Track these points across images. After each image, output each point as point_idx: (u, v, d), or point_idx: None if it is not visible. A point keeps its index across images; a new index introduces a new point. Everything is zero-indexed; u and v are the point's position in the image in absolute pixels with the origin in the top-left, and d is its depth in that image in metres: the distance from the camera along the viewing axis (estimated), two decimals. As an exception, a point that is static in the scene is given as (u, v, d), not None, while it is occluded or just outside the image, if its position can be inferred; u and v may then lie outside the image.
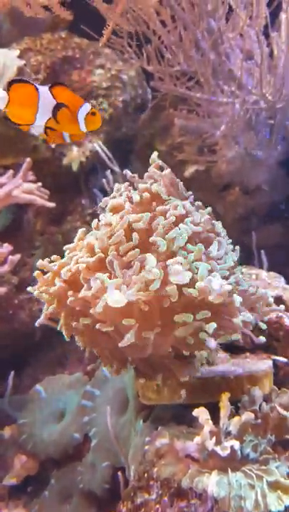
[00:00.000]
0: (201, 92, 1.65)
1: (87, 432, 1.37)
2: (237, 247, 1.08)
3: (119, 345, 0.89)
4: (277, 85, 1.57)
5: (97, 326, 0.90)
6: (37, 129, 1.03)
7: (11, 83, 0.96)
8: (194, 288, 0.86)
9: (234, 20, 1.51)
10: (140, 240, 0.95)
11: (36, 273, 1.03)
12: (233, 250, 1.06)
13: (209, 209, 1.10)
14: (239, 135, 1.80)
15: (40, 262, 1.04)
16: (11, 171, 1.68)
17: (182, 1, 1.47)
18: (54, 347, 1.88)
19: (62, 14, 1.31)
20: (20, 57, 1.88)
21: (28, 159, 1.67)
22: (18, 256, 1.51)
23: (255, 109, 1.70)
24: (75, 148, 1.91)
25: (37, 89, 0.96)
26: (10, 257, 1.50)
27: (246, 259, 1.97)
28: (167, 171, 1.09)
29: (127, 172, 1.13)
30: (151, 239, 0.93)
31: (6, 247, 1.51)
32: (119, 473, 1.22)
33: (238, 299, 0.89)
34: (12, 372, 1.61)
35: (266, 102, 1.64)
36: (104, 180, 1.93)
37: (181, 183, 1.11)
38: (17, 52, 1.88)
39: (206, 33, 1.56)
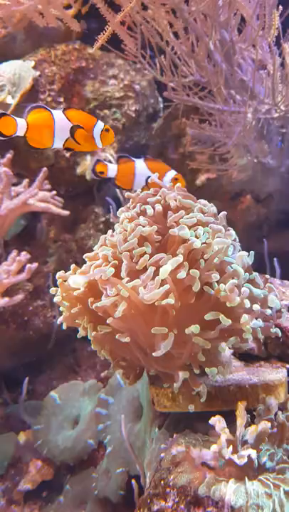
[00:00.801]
0: (214, 102, 1.67)
1: (101, 439, 1.39)
2: (251, 252, 1.09)
3: (154, 354, 0.91)
4: (289, 95, 1.59)
5: (117, 336, 0.92)
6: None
7: (28, 111, 1.06)
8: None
9: (246, 30, 1.53)
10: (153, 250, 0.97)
11: (59, 282, 1.05)
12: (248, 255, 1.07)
13: (224, 213, 1.12)
14: (251, 144, 1.82)
15: (59, 274, 1.06)
16: (26, 180, 1.71)
17: (195, 13, 1.48)
18: (67, 354, 1.91)
19: (73, 26, 1.34)
20: (35, 68, 1.92)
21: (44, 168, 1.69)
22: (35, 264, 1.54)
23: (267, 118, 1.72)
24: (88, 158, 1.94)
25: (52, 113, 1.06)
26: (28, 265, 1.52)
27: (258, 267, 1.97)
28: (178, 184, 1.11)
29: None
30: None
31: (24, 256, 1.53)
32: (134, 480, 1.23)
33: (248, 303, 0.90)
34: (26, 379, 1.62)
35: (278, 112, 1.65)
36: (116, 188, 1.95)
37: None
38: (32, 63, 1.91)
39: (218, 44, 1.58)
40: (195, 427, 1.06)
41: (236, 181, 1.97)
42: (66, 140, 1.07)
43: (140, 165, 1.14)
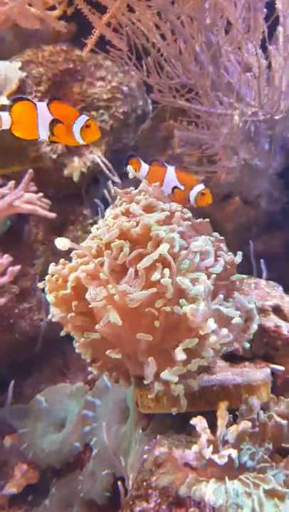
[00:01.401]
0: (201, 104, 1.68)
1: (87, 441, 1.38)
2: (239, 252, 1.09)
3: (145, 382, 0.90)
4: (275, 97, 1.59)
5: (107, 352, 0.92)
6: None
7: (12, 103, 1.04)
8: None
9: (232, 33, 1.54)
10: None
11: (47, 278, 1.05)
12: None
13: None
14: (238, 146, 1.82)
15: (52, 269, 1.06)
16: (12, 182, 1.70)
17: (180, 15, 1.49)
18: (55, 356, 1.89)
19: (57, 26, 1.34)
20: (21, 69, 1.91)
21: (30, 170, 1.69)
22: (18, 267, 1.53)
23: (254, 120, 1.73)
24: (76, 159, 1.94)
25: (36, 106, 1.04)
26: (10, 268, 1.51)
27: (246, 268, 1.98)
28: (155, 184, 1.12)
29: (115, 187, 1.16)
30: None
31: (6, 258, 1.52)
32: (119, 482, 1.22)
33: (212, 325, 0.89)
34: (12, 382, 1.61)
35: (265, 114, 1.66)
36: (105, 190, 1.95)
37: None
38: (18, 64, 1.91)
39: (204, 46, 1.59)
40: (179, 428, 1.06)
41: (224, 183, 1.98)
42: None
43: (170, 172, 1.12)
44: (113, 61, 1.95)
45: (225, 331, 0.88)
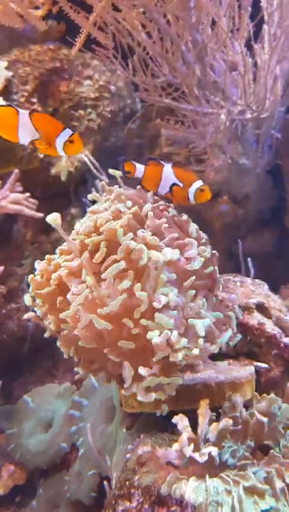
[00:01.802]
0: (187, 103, 1.67)
1: (74, 441, 1.37)
2: (208, 247, 1.08)
3: (123, 393, 0.91)
4: (261, 96, 1.59)
5: (80, 343, 0.92)
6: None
7: None
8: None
9: (217, 32, 1.54)
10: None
11: (30, 277, 1.05)
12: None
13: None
14: (226, 145, 1.82)
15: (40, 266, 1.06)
16: (-2, 182, 1.69)
17: (163, 13, 1.49)
18: (44, 357, 1.89)
19: (39, 26, 1.33)
20: (8, 68, 1.91)
21: (16, 170, 1.68)
22: (1, 268, 1.53)
23: (241, 119, 1.73)
24: (63, 159, 1.93)
25: (18, 114, 1.04)
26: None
27: (235, 266, 1.99)
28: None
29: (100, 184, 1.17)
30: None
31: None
32: (106, 482, 1.22)
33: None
34: (0, 383, 1.60)
35: (251, 112, 1.66)
36: (93, 189, 1.94)
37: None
38: (5, 64, 1.90)
39: (190, 45, 1.59)
40: (163, 427, 1.06)
41: (213, 182, 1.98)
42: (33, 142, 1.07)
43: (167, 170, 1.09)
44: (101, 60, 1.94)
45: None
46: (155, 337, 0.84)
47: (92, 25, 1.49)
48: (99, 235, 0.97)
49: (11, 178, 1.66)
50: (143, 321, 0.86)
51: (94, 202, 2.01)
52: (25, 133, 1.04)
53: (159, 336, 0.85)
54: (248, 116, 1.69)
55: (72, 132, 1.04)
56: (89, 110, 1.98)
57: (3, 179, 1.71)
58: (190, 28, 1.54)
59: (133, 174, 1.14)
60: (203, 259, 0.94)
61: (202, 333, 0.87)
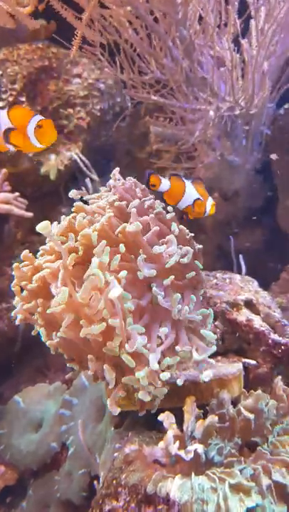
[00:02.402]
0: (176, 100, 1.67)
1: (64, 440, 1.37)
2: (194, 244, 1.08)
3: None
4: (249, 92, 1.59)
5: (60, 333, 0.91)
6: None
7: None
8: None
9: (205, 28, 1.53)
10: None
11: (14, 265, 1.04)
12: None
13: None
14: (216, 142, 1.82)
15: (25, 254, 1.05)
16: (-13, 182, 1.68)
17: (149, 10, 1.48)
18: (35, 357, 1.88)
19: (28, 24, 1.32)
20: (-4, 68, 1.89)
21: (4, 170, 1.67)
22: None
23: (231, 115, 1.72)
24: (52, 157, 1.92)
25: None
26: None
27: (227, 263, 1.98)
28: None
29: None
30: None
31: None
32: (96, 481, 1.21)
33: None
34: (-9, 383, 1.60)
35: (240, 109, 1.66)
36: (83, 188, 1.93)
37: (137, 189, 1.12)
38: (-7, 63, 1.89)
39: (178, 41, 1.58)
40: (151, 425, 1.05)
41: (203, 179, 1.97)
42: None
43: (190, 186, 1.17)
44: (89, 58, 1.93)
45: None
46: (142, 379, 0.85)
47: (79, 22, 1.48)
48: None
49: (-2, 178, 1.65)
50: (124, 357, 0.86)
51: (84, 202, 2.01)
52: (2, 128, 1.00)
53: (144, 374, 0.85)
54: (237, 112, 1.69)
55: (41, 118, 0.99)
56: (78, 108, 1.97)
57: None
58: (177, 24, 1.53)
59: (158, 188, 1.19)
60: (178, 256, 0.93)
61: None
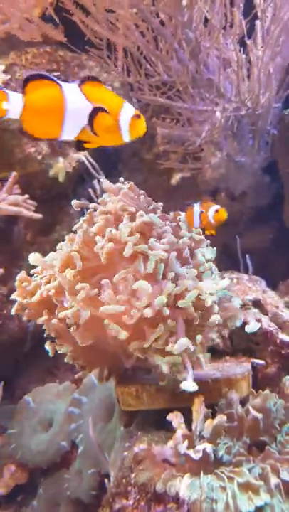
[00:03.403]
0: (182, 101, 1.68)
1: (74, 439, 1.38)
2: (212, 249, 1.10)
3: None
4: (255, 92, 1.59)
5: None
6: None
7: (26, 81, 0.73)
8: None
9: (210, 29, 1.54)
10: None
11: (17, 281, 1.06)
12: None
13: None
14: (222, 142, 1.82)
15: (20, 276, 1.07)
16: (-3, 184, 1.71)
17: (155, 13, 1.49)
18: (45, 357, 1.89)
19: (50, 33, 1.33)
20: (5, 72, 1.92)
21: (14, 173, 1.69)
22: (0, 270, 1.54)
23: (237, 116, 1.73)
24: (60, 160, 1.94)
25: (62, 88, 0.73)
26: (-5, 270, 1.52)
27: (234, 263, 1.99)
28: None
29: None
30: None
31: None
32: (106, 480, 1.22)
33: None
34: (2, 383, 1.61)
35: (246, 109, 1.66)
36: (90, 189, 1.95)
37: (142, 197, 1.12)
38: (2, 67, 1.91)
39: (184, 43, 1.59)
40: (161, 425, 1.06)
41: (210, 179, 1.98)
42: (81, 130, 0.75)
43: (196, 206, 1.24)
44: (97, 61, 1.95)
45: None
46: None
47: (86, 26, 1.50)
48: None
49: (8, 181, 1.68)
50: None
51: (91, 202, 2.03)
52: (76, 118, 0.74)
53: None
54: (243, 112, 1.69)
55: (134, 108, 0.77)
56: (86, 111, 1.99)
57: (2, 182, 1.72)
58: (183, 26, 1.54)
59: None
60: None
61: None
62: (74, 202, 1.11)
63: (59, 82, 0.73)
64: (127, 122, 0.75)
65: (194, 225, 1.23)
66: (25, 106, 0.71)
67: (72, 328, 1.00)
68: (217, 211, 1.25)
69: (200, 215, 1.23)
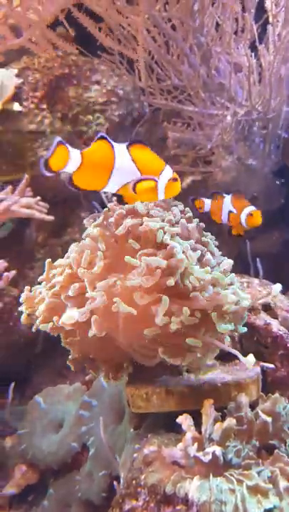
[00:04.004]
0: (193, 105, 1.69)
1: (85, 441, 1.39)
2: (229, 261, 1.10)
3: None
4: (266, 96, 1.60)
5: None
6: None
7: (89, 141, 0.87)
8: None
9: (222, 34, 1.55)
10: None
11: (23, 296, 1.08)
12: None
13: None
14: (233, 146, 1.83)
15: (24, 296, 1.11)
16: (9, 187, 1.73)
17: (166, 18, 1.51)
18: (55, 358, 1.91)
19: (61, 46, 1.35)
20: (18, 76, 1.94)
21: (26, 176, 1.72)
22: (13, 272, 1.56)
23: (248, 120, 1.73)
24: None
25: (113, 148, 0.84)
26: (5, 273, 1.54)
27: (244, 267, 1.99)
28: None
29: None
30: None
31: (2, 263, 1.55)
32: (116, 482, 1.23)
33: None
34: (12, 384, 1.64)
35: (257, 113, 1.67)
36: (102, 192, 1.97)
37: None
38: (15, 71, 1.94)
39: (195, 48, 1.60)
40: (170, 427, 1.07)
41: (221, 183, 1.99)
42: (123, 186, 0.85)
43: (227, 200, 1.19)
44: (108, 65, 1.97)
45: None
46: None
47: (98, 31, 1.52)
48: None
49: (21, 184, 1.70)
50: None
51: (103, 207, 2.06)
52: (122, 177, 0.84)
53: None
54: (254, 116, 1.70)
55: (172, 171, 0.88)
56: (97, 115, 2.01)
57: (14, 185, 1.74)
58: (194, 31, 1.55)
59: (203, 209, 1.21)
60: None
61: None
62: (85, 221, 1.12)
63: (112, 142, 0.84)
64: (164, 184, 0.85)
65: (221, 220, 1.18)
66: (82, 162, 0.80)
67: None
68: (251, 215, 1.19)
69: (229, 213, 1.18)
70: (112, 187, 0.85)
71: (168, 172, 0.86)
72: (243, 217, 1.17)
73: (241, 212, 1.19)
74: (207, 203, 1.21)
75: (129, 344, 1.03)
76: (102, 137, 0.83)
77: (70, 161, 0.80)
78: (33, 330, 1.09)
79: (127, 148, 0.85)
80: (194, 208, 1.21)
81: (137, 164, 0.83)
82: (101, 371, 1.13)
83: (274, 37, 1.55)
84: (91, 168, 0.81)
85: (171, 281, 0.89)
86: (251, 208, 1.18)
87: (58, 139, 0.81)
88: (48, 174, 0.82)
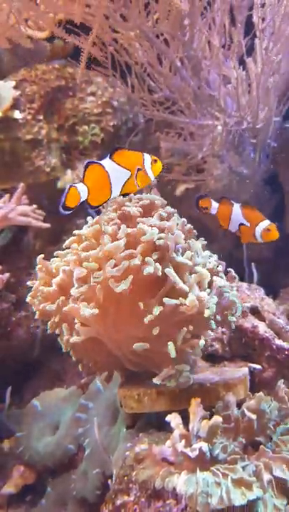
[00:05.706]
0: (184, 116, 1.74)
1: (81, 442, 1.43)
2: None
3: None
4: (254, 107, 1.66)
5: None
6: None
7: (84, 169, 1.01)
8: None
9: (211, 48, 1.61)
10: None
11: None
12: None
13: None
14: (224, 154, 1.89)
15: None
16: (7, 195, 1.78)
17: (156, 32, 1.56)
18: (53, 362, 1.95)
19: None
20: (16, 88, 2.00)
21: (22, 184, 1.77)
22: (6, 275, 1.61)
23: (238, 129, 1.79)
24: (69, 172, 2.01)
25: (103, 166, 1.00)
26: (-1, 276, 1.59)
27: (238, 272, 2.03)
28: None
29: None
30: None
31: (-3, 269, 1.60)
32: (110, 480, 1.27)
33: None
34: (9, 388, 1.67)
35: (247, 123, 1.72)
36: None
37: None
38: (13, 83, 2.00)
39: (186, 60, 1.66)
40: (162, 426, 1.12)
41: (213, 191, 2.04)
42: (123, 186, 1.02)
43: (236, 211, 1.19)
44: (103, 78, 2.03)
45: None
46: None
47: (92, 45, 1.57)
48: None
49: (17, 192, 1.75)
50: None
51: (99, 214, 2.10)
52: (118, 181, 1.01)
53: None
54: (244, 126, 1.75)
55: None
56: (93, 125, 2.06)
57: (11, 193, 1.79)
58: (184, 45, 1.61)
59: (208, 211, 1.22)
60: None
61: None
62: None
63: (98, 162, 1.01)
64: (149, 167, 1.02)
65: (230, 229, 1.18)
66: (88, 190, 0.98)
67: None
68: (269, 230, 1.17)
69: (239, 226, 1.18)
70: (115, 192, 1.02)
71: (148, 157, 1.03)
72: (258, 231, 1.18)
73: (255, 226, 1.18)
74: (214, 205, 1.22)
75: (119, 348, 1.08)
76: (90, 162, 1.00)
77: (81, 195, 0.97)
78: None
79: (110, 158, 1.01)
80: (197, 206, 1.22)
81: (123, 165, 1.01)
82: (97, 374, 1.18)
83: (261, 50, 1.61)
84: (96, 189, 0.99)
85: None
86: (267, 223, 1.18)
87: (69, 184, 1.01)
88: (67, 213, 0.99)
